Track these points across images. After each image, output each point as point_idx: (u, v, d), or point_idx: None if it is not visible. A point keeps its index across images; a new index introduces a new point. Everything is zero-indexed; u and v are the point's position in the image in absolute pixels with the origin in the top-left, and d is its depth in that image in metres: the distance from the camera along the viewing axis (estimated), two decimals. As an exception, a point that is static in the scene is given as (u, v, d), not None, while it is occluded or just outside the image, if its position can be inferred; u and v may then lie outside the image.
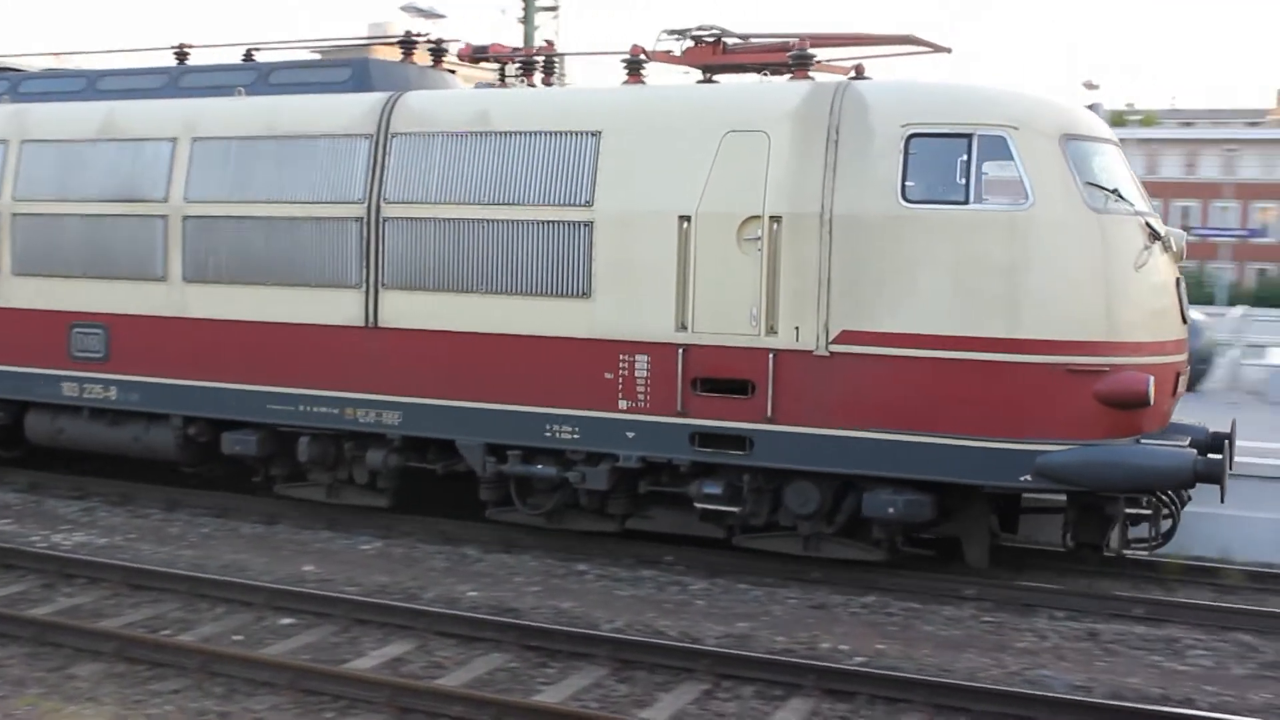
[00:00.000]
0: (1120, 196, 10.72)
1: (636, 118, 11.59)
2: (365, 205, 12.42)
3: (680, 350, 11.22)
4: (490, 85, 13.59)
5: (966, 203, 10.50)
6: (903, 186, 10.57)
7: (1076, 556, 11.67)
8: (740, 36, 12.50)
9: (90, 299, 13.79)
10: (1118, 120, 61.88)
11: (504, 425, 11.93)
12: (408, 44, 13.74)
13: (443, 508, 13.47)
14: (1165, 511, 10.99)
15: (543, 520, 12.28)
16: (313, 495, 13.35)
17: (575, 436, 11.66)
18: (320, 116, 12.83)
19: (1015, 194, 10.48)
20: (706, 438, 11.23)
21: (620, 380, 11.46)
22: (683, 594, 11.24)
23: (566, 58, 13.38)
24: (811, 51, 11.67)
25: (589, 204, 11.54)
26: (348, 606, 10.28)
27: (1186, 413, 11.86)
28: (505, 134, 11.95)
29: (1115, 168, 11.00)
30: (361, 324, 12.48)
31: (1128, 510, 10.70)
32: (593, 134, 11.61)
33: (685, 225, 11.17)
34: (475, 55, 13.53)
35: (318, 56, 14.43)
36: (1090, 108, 11.94)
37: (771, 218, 10.89)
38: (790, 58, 11.67)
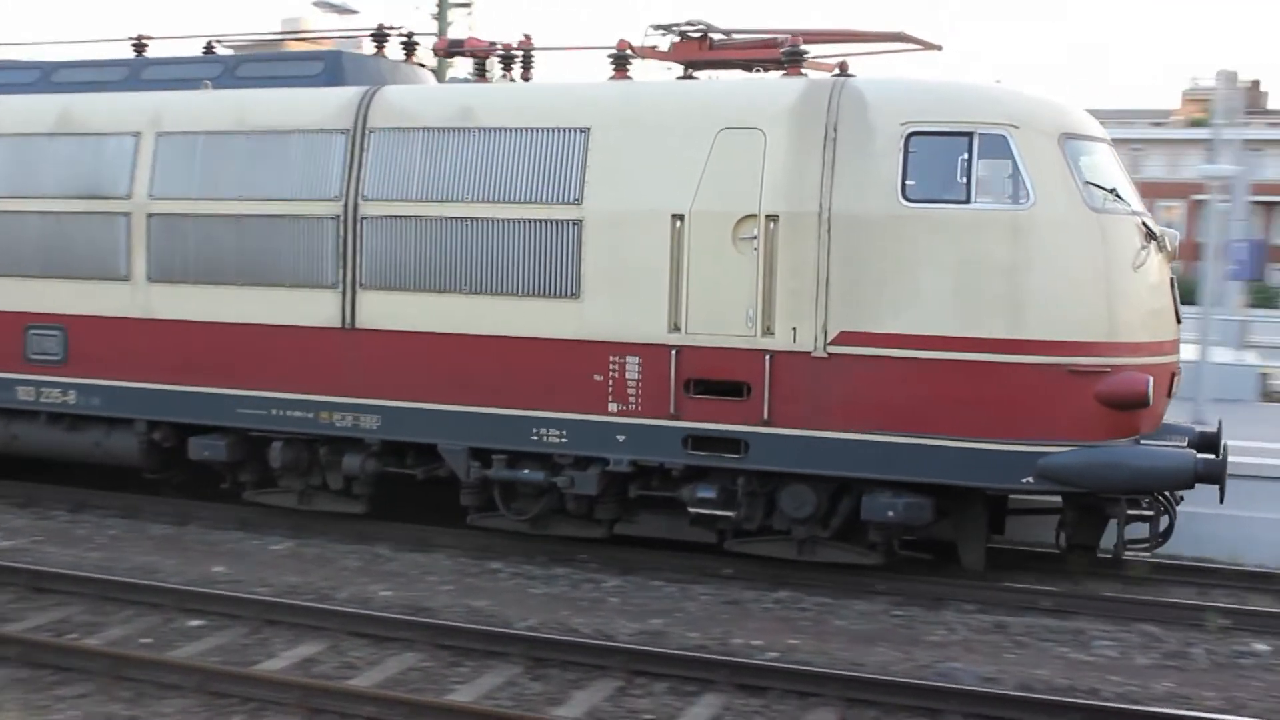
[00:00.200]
0: (1118, 196, 10.67)
1: (627, 114, 11.33)
2: (342, 203, 12.04)
3: (673, 352, 10.99)
4: (466, 80, 13.26)
5: (968, 202, 10.38)
6: (903, 185, 10.42)
7: (1067, 558, 11.62)
8: (724, 32, 12.30)
9: (47, 300, 13.26)
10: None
11: (489, 429, 11.63)
12: (380, 36, 13.37)
13: (419, 513, 13.14)
14: (1163, 511, 10.96)
15: (526, 526, 11.99)
16: (283, 502, 12.93)
17: (563, 440, 11.39)
18: (293, 111, 12.42)
19: (1016, 193, 10.38)
20: (700, 441, 11.02)
21: (610, 382, 11.21)
22: (596, 591, 11.18)
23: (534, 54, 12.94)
24: (805, 47, 11.49)
25: (578, 202, 11.27)
26: (258, 607, 10.14)
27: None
28: (490, 130, 11.64)
29: (1109, 167, 10.95)
30: (338, 325, 12.09)
31: (1129, 511, 10.65)
32: (581, 130, 11.34)
33: (678, 224, 10.94)
34: (451, 49, 13.18)
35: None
36: None
37: (768, 217, 10.70)
38: (783, 54, 11.46)
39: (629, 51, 12.02)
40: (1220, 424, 11.58)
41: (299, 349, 12.24)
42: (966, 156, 10.44)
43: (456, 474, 11.85)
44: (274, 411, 12.36)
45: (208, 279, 12.55)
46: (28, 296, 13.32)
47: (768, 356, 10.73)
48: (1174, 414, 11.77)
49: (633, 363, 11.14)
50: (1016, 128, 10.39)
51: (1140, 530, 10.92)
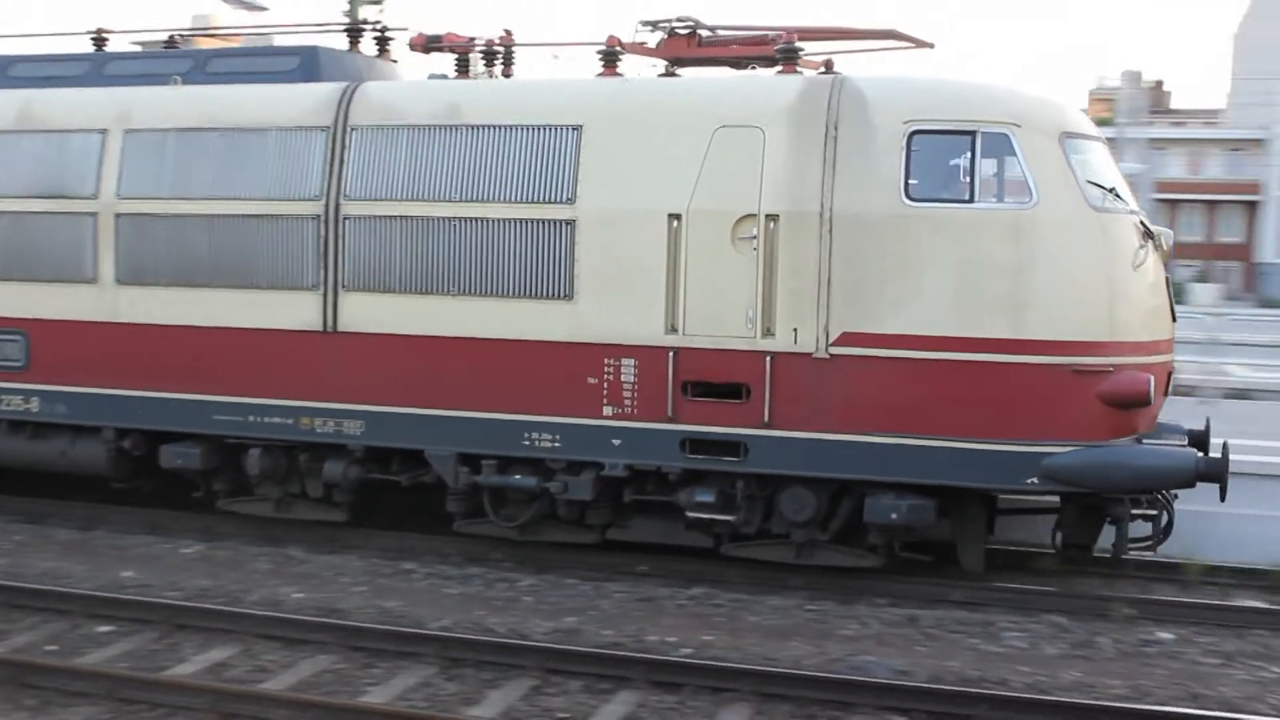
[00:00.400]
0: (1117, 195, 10.66)
1: (621, 111, 11.11)
2: (322, 202, 11.69)
3: (670, 353, 10.79)
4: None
5: (970, 201, 10.31)
6: (906, 184, 10.31)
7: (1065, 557, 11.60)
8: (709, 28, 12.13)
9: (8, 303, 12.74)
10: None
11: (478, 434, 11.35)
12: (355, 31, 13.02)
13: (404, 519, 12.83)
14: (1163, 509, 10.96)
15: (516, 533, 11.73)
16: (259, 511, 12.55)
17: (556, 445, 11.15)
18: (269, 107, 12.04)
19: (1018, 192, 10.32)
20: (698, 444, 10.83)
21: (605, 385, 10.98)
22: (511, 590, 11.08)
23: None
24: (800, 45, 11.34)
25: (570, 201, 11.03)
26: (168, 612, 9.96)
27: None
28: (478, 127, 11.35)
29: (1106, 166, 10.93)
30: (319, 328, 11.74)
31: (1132, 510, 10.64)
32: (574, 128, 11.10)
33: (675, 224, 10.74)
34: (429, 45, 12.85)
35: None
36: None
37: (768, 216, 10.54)
38: (778, 51, 11.30)
39: (618, 48, 11.79)
40: (1208, 422, 11.61)
41: (278, 353, 11.86)
42: (969, 155, 10.37)
43: (444, 480, 11.56)
44: (251, 418, 11.97)
45: (180, 281, 12.13)
46: None
47: (768, 358, 10.57)
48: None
49: (628, 365, 10.93)
50: (1018, 126, 10.33)
51: (1141, 530, 10.92)
